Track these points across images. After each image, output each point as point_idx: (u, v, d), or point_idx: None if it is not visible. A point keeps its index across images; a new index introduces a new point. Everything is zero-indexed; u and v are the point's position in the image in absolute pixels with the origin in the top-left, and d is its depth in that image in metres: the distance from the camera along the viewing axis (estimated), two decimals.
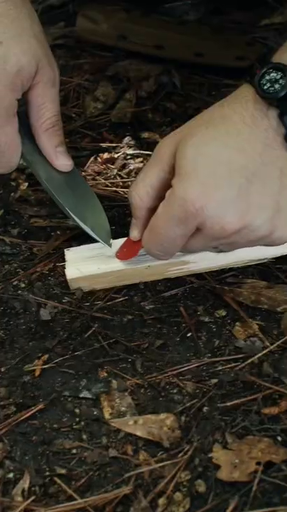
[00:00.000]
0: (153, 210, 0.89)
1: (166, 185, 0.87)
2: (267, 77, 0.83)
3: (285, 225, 0.86)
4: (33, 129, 1.00)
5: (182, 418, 0.86)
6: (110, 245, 1.00)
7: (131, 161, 1.22)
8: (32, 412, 0.88)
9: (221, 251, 0.92)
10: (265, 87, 0.83)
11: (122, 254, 0.98)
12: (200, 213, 0.83)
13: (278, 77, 0.83)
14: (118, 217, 1.10)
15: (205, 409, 0.87)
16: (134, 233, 0.95)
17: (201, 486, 0.80)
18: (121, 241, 0.99)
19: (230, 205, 0.83)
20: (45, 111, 0.99)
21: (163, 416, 0.87)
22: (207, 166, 0.83)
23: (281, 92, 0.82)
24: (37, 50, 0.96)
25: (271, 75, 0.83)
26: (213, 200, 0.83)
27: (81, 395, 0.90)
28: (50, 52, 0.99)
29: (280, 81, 0.82)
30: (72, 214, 1.01)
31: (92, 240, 1.02)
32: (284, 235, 0.87)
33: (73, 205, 1.01)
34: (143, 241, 0.92)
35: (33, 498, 0.81)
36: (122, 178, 1.19)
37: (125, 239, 0.98)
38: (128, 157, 1.22)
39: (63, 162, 1.02)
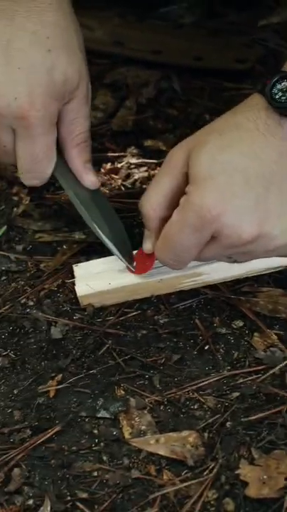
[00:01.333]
0: (165, 220, 0.87)
1: (179, 194, 0.85)
2: (278, 87, 0.82)
3: None
4: (63, 143, 0.98)
5: (205, 434, 0.84)
6: (134, 268, 0.97)
7: (135, 171, 1.19)
8: (49, 434, 0.86)
9: (235, 261, 0.90)
10: (277, 97, 0.82)
11: (136, 269, 0.96)
12: (217, 220, 0.81)
13: None
14: (126, 229, 1.07)
15: (228, 424, 0.85)
16: (148, 245, 0.92)
17: (229, 505, 0.78)
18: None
19: (247, 213, 0.81)
20: (78, 126, 0.98)
21: (185, 433, 0.85)
22: (224, 173, 0.81)
23: None
24: (81, 63, 0.95)
25: (283, 84, 0.82)
26: (230, 207, 0.81)
27: (98, 415, 0.87)
28: (87, 68, 0.97)
29: None
30: (99, 231, 0.99)
31: (103, 254, 1.00)
32: None
33: (100, 222, 0.99)
34: (155, 250, 0.90)
35: None
36: (127, 188, 1.16)
37: (135, 252, 0.96)
38: (132, 166, 1.20)
39: (92, 178, 1.00)
